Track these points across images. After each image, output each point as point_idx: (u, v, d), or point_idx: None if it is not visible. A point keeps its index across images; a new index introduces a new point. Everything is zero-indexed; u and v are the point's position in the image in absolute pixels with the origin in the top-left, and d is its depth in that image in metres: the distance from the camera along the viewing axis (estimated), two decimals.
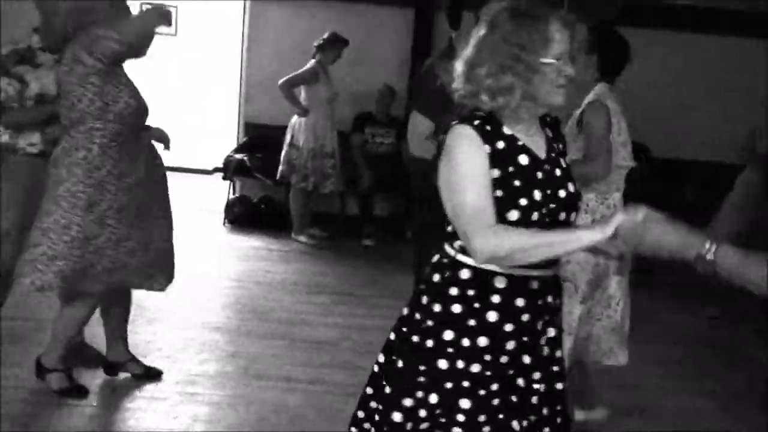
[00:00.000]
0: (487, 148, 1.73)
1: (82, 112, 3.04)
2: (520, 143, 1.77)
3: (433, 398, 1.79)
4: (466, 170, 1.72)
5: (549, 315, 1.84)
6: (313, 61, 6.11)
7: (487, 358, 1.78)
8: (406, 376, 1.84)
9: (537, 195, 1.73)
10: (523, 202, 1.72)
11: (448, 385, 1.79)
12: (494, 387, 1.79)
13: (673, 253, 1.56)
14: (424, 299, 1.85)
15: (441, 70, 3.15)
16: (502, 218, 1.72)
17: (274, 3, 7.05)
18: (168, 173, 3.45)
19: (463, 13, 3.26)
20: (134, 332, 4.05)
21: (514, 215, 1.72)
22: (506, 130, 1.77)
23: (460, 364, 1.78)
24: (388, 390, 1.88)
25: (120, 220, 3.09)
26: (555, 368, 1.90)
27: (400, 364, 1.87)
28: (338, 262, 4.46)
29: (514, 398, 1.81)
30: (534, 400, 1.84)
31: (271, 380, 3.62)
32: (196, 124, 9.41)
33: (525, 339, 1.80)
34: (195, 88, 9.45)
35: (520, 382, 1.82)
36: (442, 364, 1.79)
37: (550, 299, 1.83)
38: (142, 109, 3.22)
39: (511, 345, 1.79)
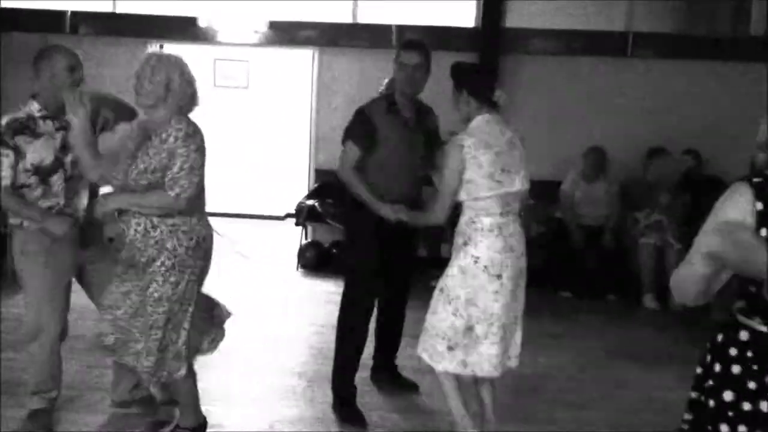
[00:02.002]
0: (759, 205, 1.69)
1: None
2: None
3: None
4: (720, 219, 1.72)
5: None
6: None
7: None
8: None
9: None
10: None
11: None
12: None
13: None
14: (708, 358, 1.85)
15: (373, 111, 3.70)
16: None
17: (343, 52, 7.27)
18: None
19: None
20: (215, 380, 4.17)
21: None
22: None
23: (742, 429, 1.74)
24: None
25: None
26: None
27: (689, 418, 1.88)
28: (410, 303, 4.52)
29: None
30: None
31: (354, 427, 3.65)
32: (269, 171, 9.68)
33: None
34: (267, 137, 9.75)
35: None
36: (724, 428, 1.77)
37: None
38: None
39: None
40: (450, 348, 3.24)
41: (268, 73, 9.78)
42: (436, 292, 3.30)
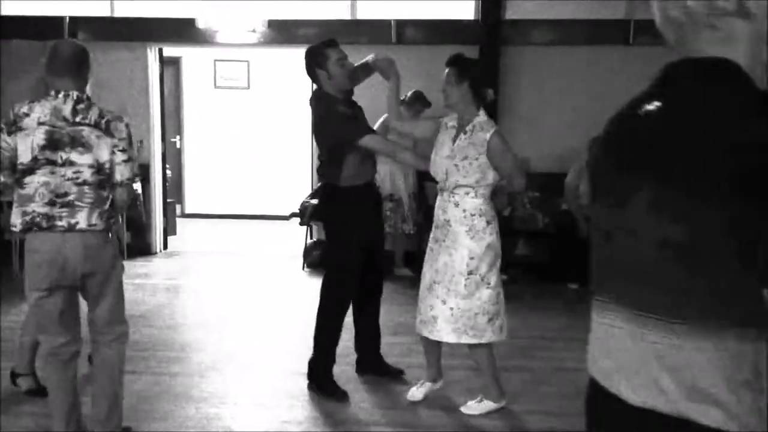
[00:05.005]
0: None
1: None
2: None
3: None
4: None
5: None
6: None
7: None
8: None
9: None
10: None
11: None
12: None
13: None
14: None
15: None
16: None
17: (343, 49, 7.21)
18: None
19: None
20: (224, 381, 4.16)
21: None
22: None
23: None
24: None
25: None
26: None
27: None
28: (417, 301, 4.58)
29: None
30: None
31: (359, 425, 3.64)
32: (272, 172, 9.66)
33: None
34: (269, 137, 9.73)
35: None
36: None
37: None
38: None
39: None
40: (490, 319, 3.62)
41: (268, 72, 9.75)
42: (461, 277, 3.57)
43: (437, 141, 3.72)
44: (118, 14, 7.32)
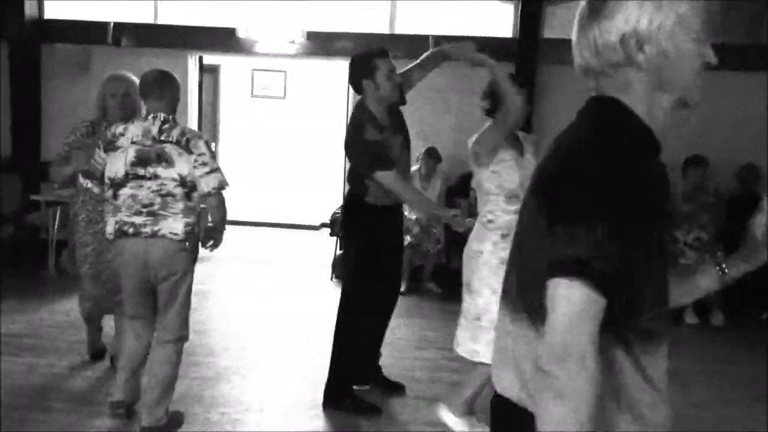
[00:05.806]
0: None
1: None
2: None
3: None
4: None
5: None
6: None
7: None
8: None
9: None
10: None
11: None
12: None
13: None
14: None
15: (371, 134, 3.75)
16: None
17: None
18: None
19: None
20: (250, 388, 4.18)
21: None
22: None
23: None
24: None
25: None
26: None
27: None
28: (443, 317, 4.55)
29: None
30: None
31: None
32: (304, 181, 9.74)
33: None
34: (303, 147, 9.81)
35: None
36: None
37: None
38: None
39: None
40: None
41: (304, 83, 9.85)
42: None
43: (503, 159, 3.49)
44: (161, 21, 7.45)
